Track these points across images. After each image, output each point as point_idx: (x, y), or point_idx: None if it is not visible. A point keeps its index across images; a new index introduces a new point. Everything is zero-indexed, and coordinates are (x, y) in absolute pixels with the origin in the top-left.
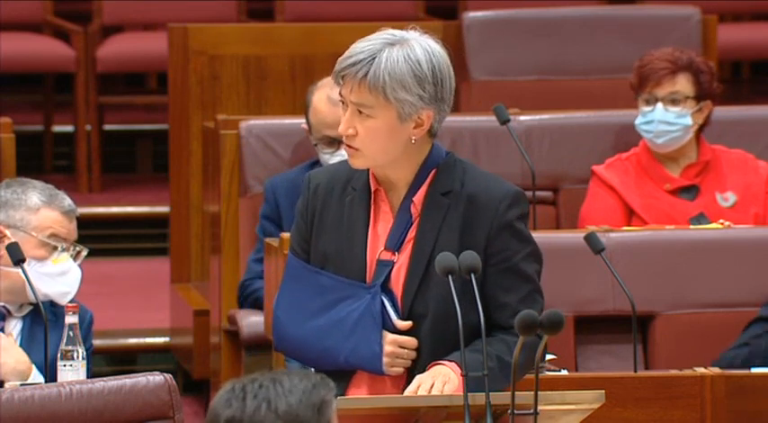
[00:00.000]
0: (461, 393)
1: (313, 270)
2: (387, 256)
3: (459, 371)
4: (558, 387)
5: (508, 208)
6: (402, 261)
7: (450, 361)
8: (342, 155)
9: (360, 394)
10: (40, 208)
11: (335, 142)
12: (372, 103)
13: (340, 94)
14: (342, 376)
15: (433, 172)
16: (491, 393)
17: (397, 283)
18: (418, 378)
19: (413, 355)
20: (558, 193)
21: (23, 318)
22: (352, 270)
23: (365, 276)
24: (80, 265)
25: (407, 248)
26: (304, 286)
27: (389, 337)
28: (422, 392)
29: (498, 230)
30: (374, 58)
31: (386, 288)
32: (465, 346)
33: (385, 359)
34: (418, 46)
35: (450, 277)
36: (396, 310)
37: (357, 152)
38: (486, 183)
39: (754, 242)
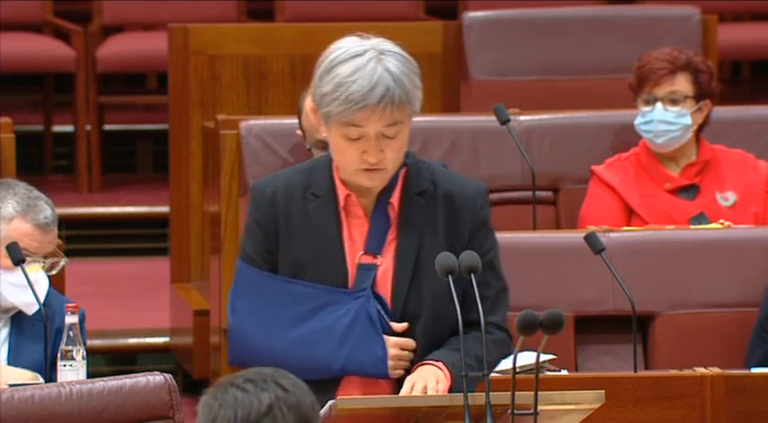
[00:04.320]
0: (461, 393)
1: (283, 279)
2: (367, 259)
3: (447, 370)
4: (558, 387)
5: (483, 206)
6: (386, 264)
7: (437, 361)
8: None
9: None
10: (13, 218)
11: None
12: (402, 119)
13: (353, 126)
14: (326, 385)
15: (403, 172)
16: (491, 393)
17: (385, 285)
18: (410, 379)
19: (411, 356)
20: (558, 193)
21: (8, 324)
22: (333, 276)
23: (347, 282)
24: (49, 276)
25: (390, 250)
26: (271, 297)
27: (391, 339)
28: (417, 393)
29: (477, 228)
30: (390, 76)
31: (372, 291)
32: (442, 345)
33: (390, 362)
34: (389, 45)
35: (450, 277)
36: (387, 313)
37: (381, 172)
38: (457, 181)
39: (754, 242)
